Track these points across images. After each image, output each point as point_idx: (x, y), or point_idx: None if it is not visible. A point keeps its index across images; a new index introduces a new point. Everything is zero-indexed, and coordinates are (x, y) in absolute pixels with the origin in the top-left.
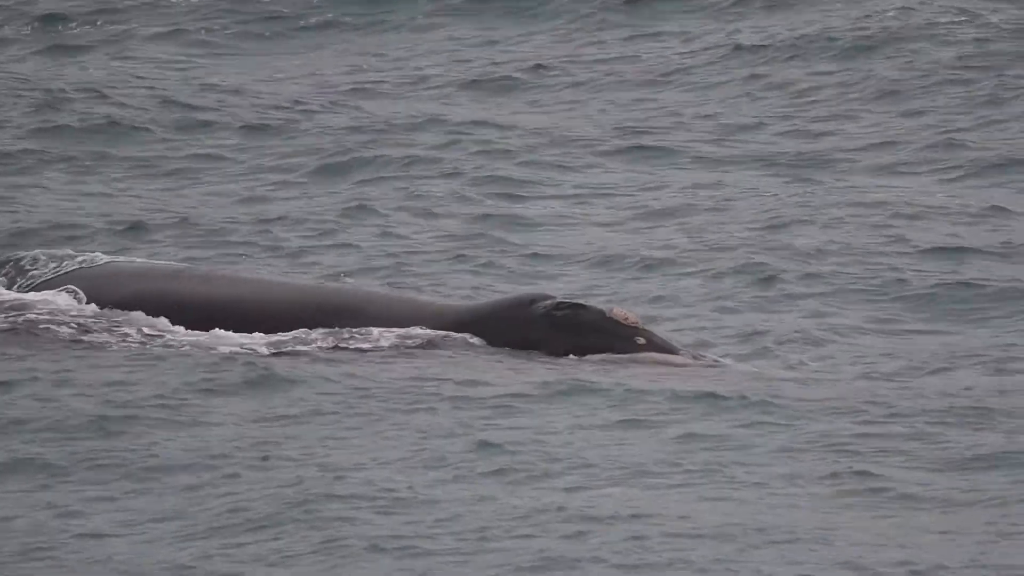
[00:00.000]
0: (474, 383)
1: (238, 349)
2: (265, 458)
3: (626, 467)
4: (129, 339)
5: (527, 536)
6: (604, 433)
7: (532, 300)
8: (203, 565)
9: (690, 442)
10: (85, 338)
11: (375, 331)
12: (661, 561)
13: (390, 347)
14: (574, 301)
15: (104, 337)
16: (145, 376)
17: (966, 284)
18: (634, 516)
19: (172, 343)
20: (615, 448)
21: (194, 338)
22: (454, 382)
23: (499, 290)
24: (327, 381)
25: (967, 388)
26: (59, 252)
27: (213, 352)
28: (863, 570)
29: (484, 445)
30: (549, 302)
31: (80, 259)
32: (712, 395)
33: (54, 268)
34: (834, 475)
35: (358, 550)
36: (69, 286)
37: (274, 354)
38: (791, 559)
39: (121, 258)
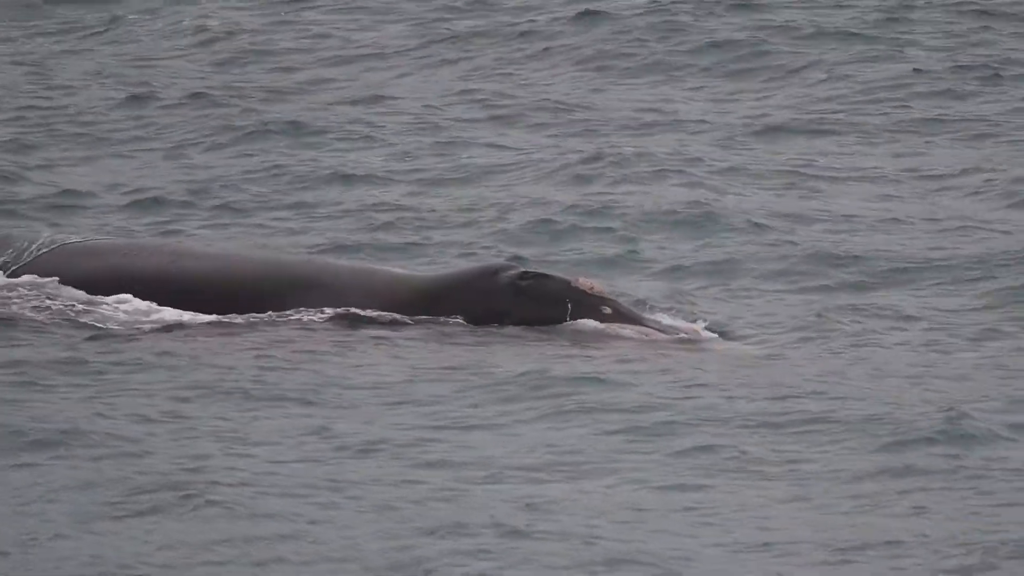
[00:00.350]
0: (418, 366)
1: (171, 323)
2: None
3: (562, 454)
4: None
5: (459, 527)
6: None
7: (497, 270)
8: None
9: (628, 425)
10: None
11: (327, 307)
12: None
13: (330, 322)
14: (539, 271)
15: (21, 310)
16: (52, 349)
17: None
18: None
19: (99, 316)
20: (551, 433)
21: (124, 314)
22: (397, 360)
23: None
24: (257, 358)
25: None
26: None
27: (137, 327)
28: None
29: (417, 430)
30: (514, 271)
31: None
32: (664, 370)
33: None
34: (743, 453)
35: (263, 534)
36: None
37: (207, 328)
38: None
39: (75, 237)
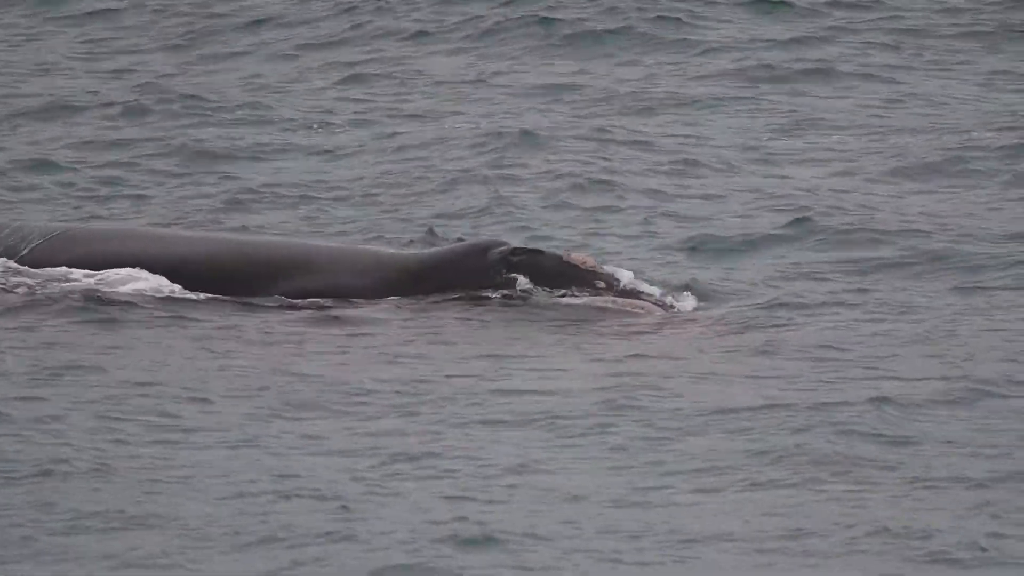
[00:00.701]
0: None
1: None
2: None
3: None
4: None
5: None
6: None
7: (487, 247)
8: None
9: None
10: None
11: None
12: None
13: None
14: (530, 247)
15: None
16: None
17: None
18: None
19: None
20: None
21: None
22: (366, 340)
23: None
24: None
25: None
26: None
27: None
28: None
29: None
30: (504, 248)
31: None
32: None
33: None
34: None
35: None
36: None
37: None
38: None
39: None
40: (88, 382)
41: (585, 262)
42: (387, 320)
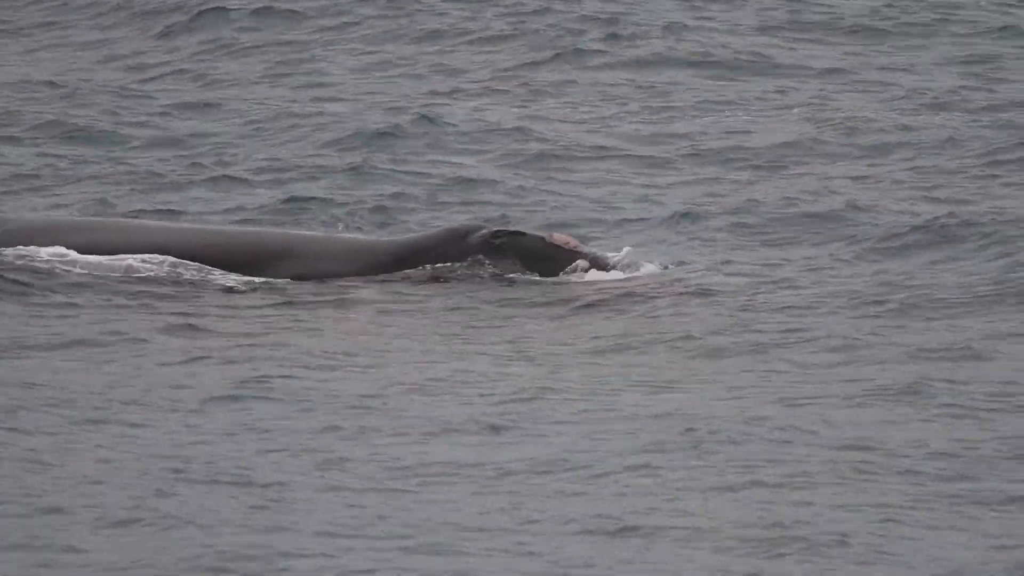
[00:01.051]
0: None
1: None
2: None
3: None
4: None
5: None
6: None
7: (467, 231)
8: None
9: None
10: None
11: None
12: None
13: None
14: (511, 229)
15: None
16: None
17: None
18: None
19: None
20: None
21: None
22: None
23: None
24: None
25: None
26: None
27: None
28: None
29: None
30: (485, 231)
31: None
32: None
33: None
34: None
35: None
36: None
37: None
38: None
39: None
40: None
41: (568, 242)
42: (340, 301)
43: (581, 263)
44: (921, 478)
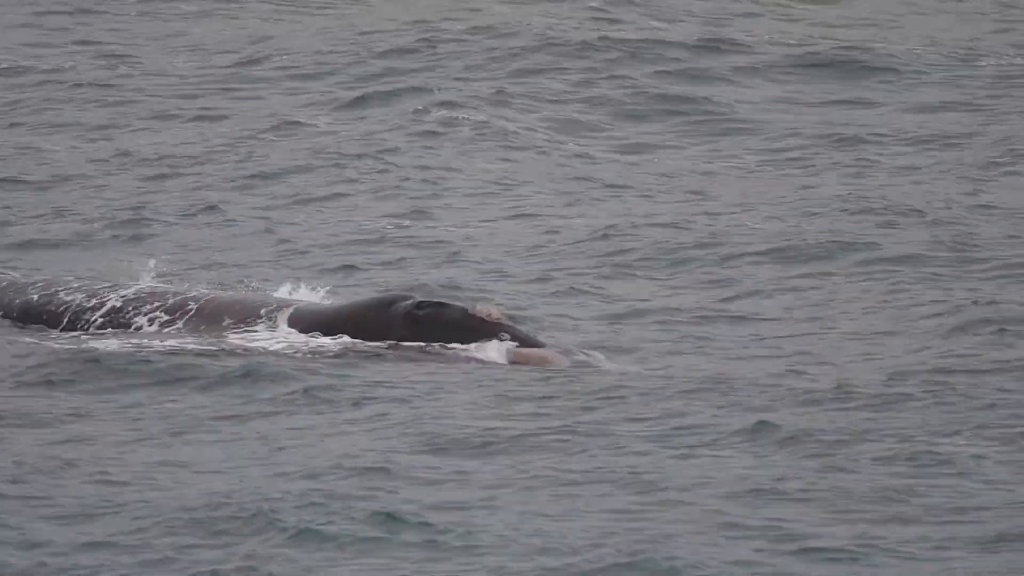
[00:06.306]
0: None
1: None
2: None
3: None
4: None
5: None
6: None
7: (392, 301)
8: None
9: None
10: None
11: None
12: None
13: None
14: (435, 299)
15: None
16: None
17: None
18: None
19: None
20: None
21: None
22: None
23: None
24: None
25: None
26: None
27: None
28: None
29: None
30: (410, 302)
31: None
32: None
33: None
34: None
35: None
36: None
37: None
38: None
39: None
40: None
41: (491, 314)
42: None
43: (502, 336)
44: None
